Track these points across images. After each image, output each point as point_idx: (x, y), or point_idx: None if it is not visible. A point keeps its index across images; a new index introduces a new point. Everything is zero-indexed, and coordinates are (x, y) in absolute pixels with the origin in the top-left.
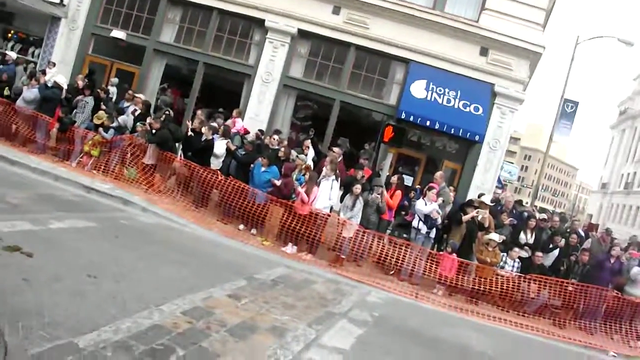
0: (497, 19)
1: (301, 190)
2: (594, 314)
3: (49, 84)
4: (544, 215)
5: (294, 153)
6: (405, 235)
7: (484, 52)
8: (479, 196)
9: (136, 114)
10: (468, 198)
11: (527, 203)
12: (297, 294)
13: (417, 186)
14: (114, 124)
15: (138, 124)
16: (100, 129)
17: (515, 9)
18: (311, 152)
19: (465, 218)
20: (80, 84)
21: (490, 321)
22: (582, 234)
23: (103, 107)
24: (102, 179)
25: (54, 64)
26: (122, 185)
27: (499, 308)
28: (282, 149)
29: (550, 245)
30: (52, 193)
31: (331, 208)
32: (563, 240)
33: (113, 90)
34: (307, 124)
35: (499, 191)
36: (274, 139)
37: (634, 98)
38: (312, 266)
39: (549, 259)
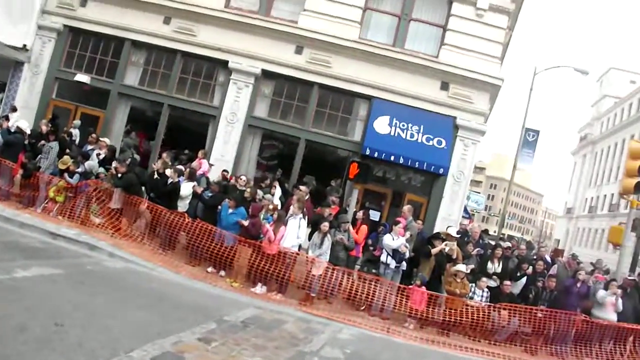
0: (456, 54)
1: (269, 227)
2: (564, 338)
3: (12, 129)
4: (509, 244)
5: (260, 193)
6: (374, 271)
7: (444, 86)
8: (446, 228)
9: (100, 157)
10: (435, 230)
11: (494, 232)
12: (268, 334)
13: (385, 222)
14: (80, 169)
15: (101, 169)
16: (66, 174)
17: (473, 44)
18: (278, 192)
19: (434, 251)
20: (44, 128)
21: (462, 352)
22: (549, 260)
23: (67, 151)
24: (68, 225)
25: (16, 109)
26: (89, 231)
27: (470, 338)
28: (248, 190)
29: (518, 274)
30: (17, 240)
31: (300, 247)
32: (530, 267)
33: (76, 132)
34: (273, 163)
35: (466, 222)
36: (241, 180)
37: (592, 124)
38: (282, 306)
39: (517, 287)
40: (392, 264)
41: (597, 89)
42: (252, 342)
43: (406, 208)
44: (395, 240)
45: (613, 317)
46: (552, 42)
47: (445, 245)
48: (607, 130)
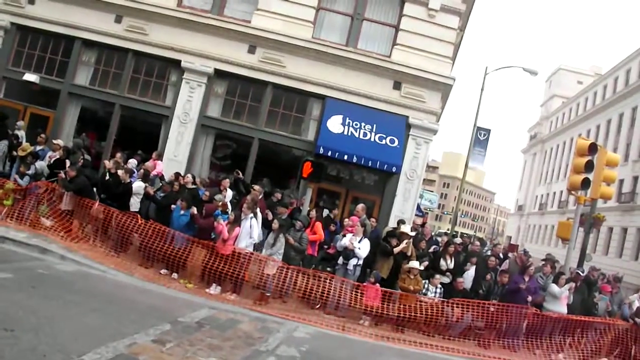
0: (408, 53)
1: (223, 224)
2: (515, 331)
3: None
4: (459, 240)
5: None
6: (329, 269)
7: (397, 86)
8: (398, 223)
9: (52, 160)
10: (388, 227)
11: (447, 229)
12: (223, 334)
13: (336, 220)
14: (30, 171)
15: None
16: (16, 176)
17: (425, 44)
18: (229, 194)
19: (397, 249)
20: None
21: (417, 347)
22: (501, 256)
23: (15, 153)
24: (17, 228)
25: None
26: (39, 234)
27: (425, 334)
28: (207, 193)
29: (465, 266)
30: None
31: (254, 246)
32: (475, 258)
33: (21, 134)
34: (226, 163)
35: (420, 220)
36: (188, 178)
37: (542, 123)
38: (237, 306)
39: (467, 281)
40: (347, 262)
41: (546, 89)
42: (207, 342)
43: (360, 207)
44: (343, 238)
45: (563, 310)
46: (503, 42)
47: (407, 243)
48: (556, 129)
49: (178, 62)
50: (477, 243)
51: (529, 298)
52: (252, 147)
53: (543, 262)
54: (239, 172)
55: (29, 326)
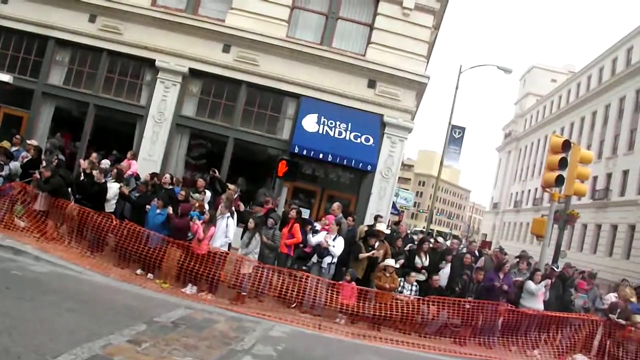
0: (383, 52)
1: (198, 223)
2: (491, 328)
3: None
4: (441, 238)
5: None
6: (304, 268)
7: (371, 84)
8: (375, 219)
9: (24, 160)
10: (365, 224)
11: (423, 227)
12: (199, 334)
13: (310, 219)
14: (3, 172)
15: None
16: None
17: (399, 43)
18: (208, 196)
19: (361, 256)
20: None
21: (393, 345)
22: (477, 253)
23: None
24: None
25: None
26: (13, 235)
27: (401, 331)
28: (182, 192)
29: (441, 264)
30: None
31: (229, 246)
32: (451, 256)
33: None
34: (201, 162)
35: (396, 218)
36: (166, 177)
37: (516, 121)
38: (213, 305)
39: (443, 278)
40: (321, 260)
41: (520, 87)
42: (182, 342)
43: (335, 205)
44: (314, 236)
45: (540, 307)
46: (477, 41)
47: (373, 254)
48: (530, 127)
49: (152, 61)
50: (455, 241)
51: (503, 294)
52: (227, 146)
53: (518, 259)
54: (215, 170)
55: (2, 327)
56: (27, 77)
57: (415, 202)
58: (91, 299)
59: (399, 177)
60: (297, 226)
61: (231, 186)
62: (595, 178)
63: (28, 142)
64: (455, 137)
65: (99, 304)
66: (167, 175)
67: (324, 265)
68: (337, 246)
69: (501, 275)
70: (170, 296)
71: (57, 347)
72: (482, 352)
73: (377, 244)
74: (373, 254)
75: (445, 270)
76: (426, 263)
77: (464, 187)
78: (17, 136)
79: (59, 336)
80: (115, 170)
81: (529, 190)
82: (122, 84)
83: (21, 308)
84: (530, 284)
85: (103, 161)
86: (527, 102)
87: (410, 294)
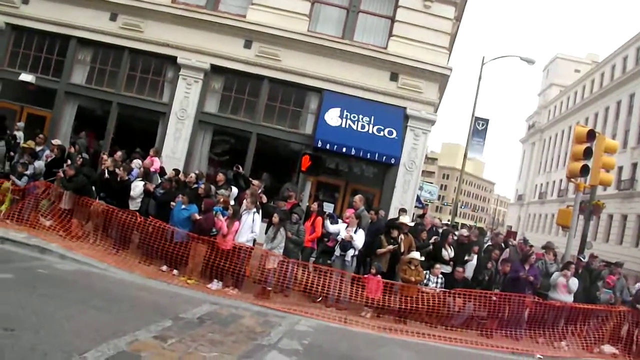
0: (405, 44)
1: (222, 219)
2: (518, 320)
3: None
4: (465, 231)
5: (213, 188)
6: (329, 262)
7: (394, 77)
8: (399, 212)
9: (48, 160)
10: (389, 218)
11: (448, 220)
12: (225, 329)
13: (332, 212)
14: (28, 172)
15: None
16: (13, 177)
17: (421, 35)
18: (234, 192)
19: (379, 251)
20: None
21: (419, 338)
22: (502, 245)
23: (12, 154)
24: (17, 229)
25: None
26: (38, 234)
27: (427, 324)
28: (202, 186)
29: (466, 257)
30: None
31: (254, 241)
32: (477, 247)
33: (20, 135)
34: (225, 158)
35: (420, 211)
36: (191, 177)
37: (540, 112)
38: (238, 301)
39: (468, 270)
40: (344, 253)
41: (544, 78)
42: (208, 337)
43: (357, 197)
44: (333, 226)
45: (568, 299)
46: (500, 32)
47: (391, 249)
48: (554, 118)
49: (174, 58)
50: (476, 233)
51: (529, 286)
52: (250, 142)
53: (544, 250)
54: (239, 166)
55: (29, 325)
56: (49, 77)
57: (439, 195)
58: (116, 296)
59: (423, 171)
60: (319, 220)
61: (255, 182)
62: (620, 168)
63: (52, 141)
64: (478, 129)
65: (125, 301)
66: (192, 175)
67: (347, 258)
68: (358, 239)
69: (527, 267)
70: (196, 292)
71: (83, 345)
72: (509, 344)
73: (401, 237)
74: (392, 248)
75: (472, 262)
76: (452, 255)
77: (488, 180)
78: (41, 135)
79: (85, 333)
80: (141, 169)
81: (554, 182)
82: (144, 82)
83: (47, 306)
84: (554, 276)
85: (134, 161)
86: (550, 92)
87: (436, 287)
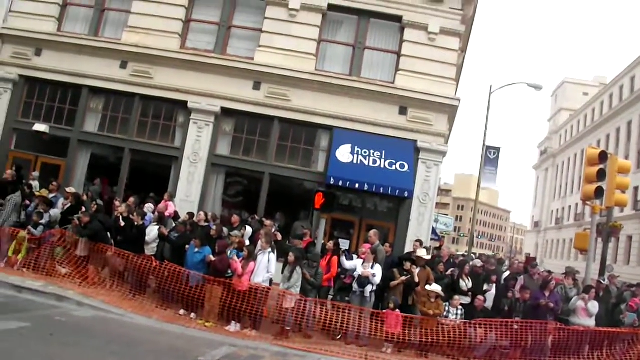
0: (412, 78)
1: (236, 260)
2: (542, 348)
3: None
4: (479, 262)
5: (225, 230)
6: (347, 299)
7: (403, 111)
8: (416, 242)
9: (65, 207)
10: (406, 251)
11: (465, 252)
12: None
13: (347, 249)
14: (43, 220)
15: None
16: (29, 227)
17: (428, 68)
18: (249, 232)
19: (393, 284)
20: (9, 176)
21: None
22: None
23: (27, 202)
24: (34, 277)
25: None
26: (55, 282)
27: (449, 357)
28: (214, 227)
29: (485, 287)
30: None
31: (271, 281)
32: (495, 276)
33: (35, 184)
34: (238, 200)
35: (437, 243)
36: (200, 216)
37: (551, 138)
38: (257, 342)
39: (488, 300)
40: (362, 290)
41: (553, 103)
42: None
43: (372, 232)
44: (348, 262)
45: (590, 323)
46: (506, 60)
47: (405, 278)
48: (566, 143)
49: (185, 103)
50: (494, 262)
51: (550, 313)
52: (263, 183)
53: (564, 275)
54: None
55: None
56: (62, 126)
57: (455, 227)
58: (134, 341)
59: (438, 203)
60: (335, 259)
61: (267, 222)
62: (636, 189)
63: (67, 189)
64: (490, 158)
65: (143, 345)
66: (202, 213)
67: (366, 294)
68: (377, 274)
69: (547, 293)
70: (214, 334)
71: None
72: None
73: (417, 270)
74: (404, 279)
75: (491, 292)
76: (469, 285)
77: (503, 208)
78: (54, 183)
79: None
80: (156, 214)
81: (570, 206)
82: (156, 127)
83: (65, 353)
84: (573, 300)
85: (146, 205)
86: (560, 117)
87: (456, 318)
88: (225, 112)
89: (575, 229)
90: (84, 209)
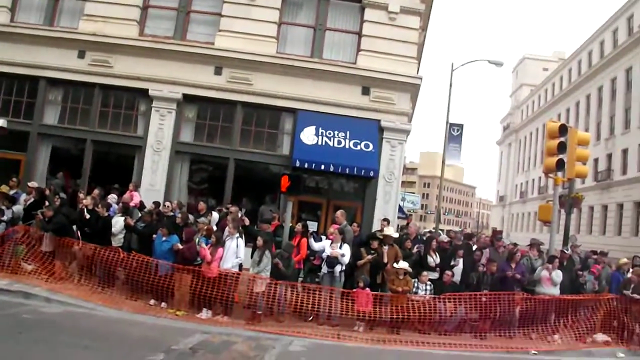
0: (374, 58)
1: (205, 247)
2: (510, 319)
3: None
4: (446, 237)
5: (191, 217)
6: (317, 280)
7: (365, 91)
8: (383, 222)
9: (28, 202)
10: (373, 230)
11: (432, 229)
12: (218, 357)
13: (314, 231)
14: (5, 217)
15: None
16: None
17: (389, 47)
18: (215, 218)
19: (359, 263)
20: None
21: (413, 347)
22: (491, 243)
23: None
24: None
25: None
26: (21, 279)
27: (420, 332)
28: (179, 215)
29: (452, 261)
30: None
31: (240, 266)
32: (462, 251)
33: None
34: (204, 187)
35: (404, 221)
36: (166, 206)
37: (513, 113)
38: (229, 327)
39: (456, 275)
40: (332, 270)
41: (514, 79)
42: None
43: (339, 213)
44: (316, 243)
45: (554, 291)
46: (466, 36)
47: (372, 257)
48: (527, 118)
49: (146, 91)
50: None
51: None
52: (228, 168)
53: (529, 247)
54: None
55: None
56: (21, 120)
57: (422, 205)
58: (106, 334)
59: (404, 181)
60: (304, 241)
61: (232, 207)
62: (596, 160)
63: (29, 184)
64: (454, 134)
65: (114, 338)
66: (167, 204)
67: (336, 274)
68: (345, 254)
69: (513, 265)
70: (186, 323)
71: None
72: (503, 343)
73: (386, 248)
74: (370, 258)
75: (459, 267)
76: (437, 261)
77: (469, 184)
78: (14, 179)
79: None
80: (120, 204)
81: (533, 180)
82: (117, 117)
83: (36, 350)
84: (538, 270)
85: (110, 196)
86: (521, 93)
87: (425, 294)
88: (187, 98)
89: (539, 202)
90: (47, 203)
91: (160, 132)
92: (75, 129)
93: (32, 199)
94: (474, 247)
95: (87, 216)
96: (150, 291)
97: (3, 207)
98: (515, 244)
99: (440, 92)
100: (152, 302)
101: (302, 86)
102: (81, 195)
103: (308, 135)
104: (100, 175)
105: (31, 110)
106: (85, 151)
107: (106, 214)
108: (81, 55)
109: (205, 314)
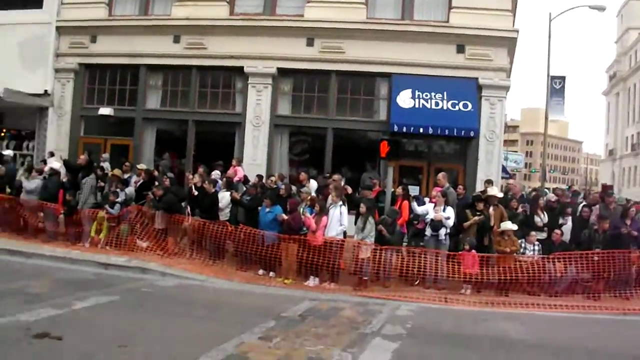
0: (466, 14)
1: (309, 216)
2: (626, 279)
3: (46, 174)
4: (553, 196)
5: (294, 188)
6: (421, 244)
7: (460, 49)
8: (486, 183)
9: (138, 184)
10: (476, 191)
11: (537, 187)
12: (327, 323)
13: (418, 195)
14: (119, 199)
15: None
16: (107, 206)
17: (481, 1)
18: (314, 185)
19: (465, 225)
20: (83, 160)
21: (523, 308)
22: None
23: (103, 184)
24: (117, 253)
25: (53, 154)
26: (137, 255)
27: (530, 294)
28: (283, 186)
29: (561, 220)
30: (70, 276)
31: (344, 233)
32: (570, 209)
33: (107, 165)
34: (304, 158)
35: (511, 181)
36: (271, 180)
37: (620, 60)
38: (337, 294)
39: (566, 234)
40: (436, 233)
41: (619, 24)
42: (312, 332)
43: (441, 175)
44: (419, 207)
45: None
46: None
47: (478, 218)
48: (636, 64)
49: (241, 68)
50: (569, 194)
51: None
52: (327, 138)
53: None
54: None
55: (140, 341)
56: (126, 107)
57: (526, 163)
58: (219, 305)
59: (505, 140)
60: (405, 204)
61: (335, 176)
62: None
63: (138, 166)
64: (556, 88)
65: (227, 307)
66: (272, 177)
67: (441, 237)
68: (450, 217)
69: (628, 222)
70: (295, 290)
71: (193, 352)
72: (619, 305)
73: (491, 209)
74: (477, 219)
75: (567, 225)
76: (545, 220)
77: (574, 139)
78: (127, 163)
79: (193, 342)
80: (225, 180)
81: None
82: (215, 96)
83: (155, 321)
84: None
85: (213, 172)
86: (628, 37)
87: (533, 254)
88: (282, 72)
89: None
90: (156, 183)
91: (258, 108)
92: (177, 111)
93: (142, 180)
94: (582, 204)
95: (195, 193)
96: (259, 261)
97: (117, 190)
98: (628, 200)
99: (539, 43)
100: (260, 272)
101: (395, 50)
102: (189, 175)
103: (404, 99)
104: (203, 153)
105: (134, 96)
106: (187, 131)
107: (213, 190)
108: (176, 40)
109: (312, 281)
